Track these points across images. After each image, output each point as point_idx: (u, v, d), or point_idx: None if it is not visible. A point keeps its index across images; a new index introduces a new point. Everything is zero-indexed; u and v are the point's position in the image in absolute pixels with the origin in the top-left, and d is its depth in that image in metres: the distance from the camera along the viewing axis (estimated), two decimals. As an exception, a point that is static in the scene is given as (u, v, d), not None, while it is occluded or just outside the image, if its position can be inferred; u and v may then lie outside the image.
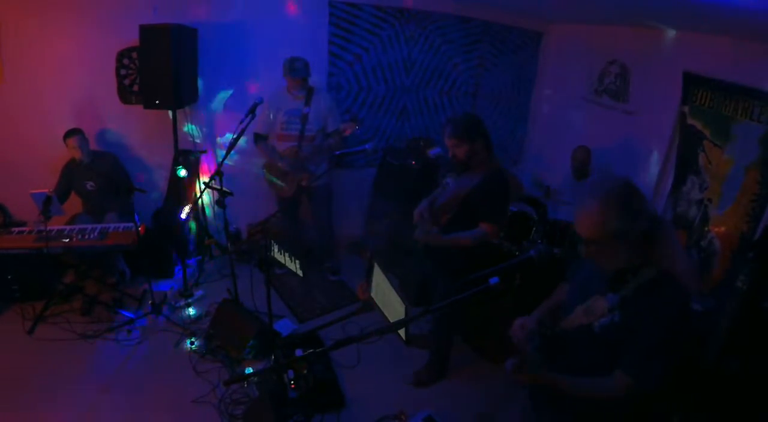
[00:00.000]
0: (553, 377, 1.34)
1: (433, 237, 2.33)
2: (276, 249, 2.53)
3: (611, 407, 1.36)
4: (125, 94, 3.50)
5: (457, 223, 2.34)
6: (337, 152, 3.24)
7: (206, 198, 3.87)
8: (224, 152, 2.88)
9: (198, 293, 3.44)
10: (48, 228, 2.80)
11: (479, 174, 2.30)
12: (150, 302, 3.10)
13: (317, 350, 1.45)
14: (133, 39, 3.17)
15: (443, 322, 2.70)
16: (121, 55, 3.40)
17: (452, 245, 2.33)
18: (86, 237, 2.92)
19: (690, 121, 3.27)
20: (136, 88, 3.47)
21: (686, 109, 3.29)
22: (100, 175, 3.28)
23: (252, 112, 2.84)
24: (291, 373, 2.56)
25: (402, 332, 1.74)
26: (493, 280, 1.26)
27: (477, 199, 2.28)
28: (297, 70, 3.17)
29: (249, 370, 2.63)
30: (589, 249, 1.29)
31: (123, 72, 3.44)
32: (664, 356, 1.24)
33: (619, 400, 1.30)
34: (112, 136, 3.60)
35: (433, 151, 4.02)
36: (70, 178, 3.29)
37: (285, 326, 3.16)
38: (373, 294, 2.00)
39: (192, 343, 2.89)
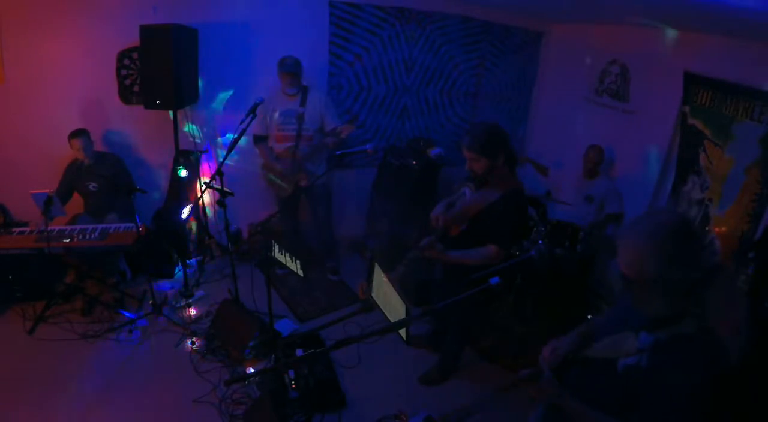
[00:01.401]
0: (572, 404, 1.27)
1: (437, 254, 2.24)
2: (277, 250, 2.53)
3: None
4: (126, 95, 3.51)
5: (466, 238, 2.27)
6: (338, 152, 3.25)
7: (207, 198, 3.88)
8: (225, 152, 2.89)
9: (199, 293, 3.44)
10: (49, 228, 2.81)
11: (497, 191, 2.19)
12: (151, 302, 3.10)
13: (318, 350, 1.46)
14: (133, 39, 3.18)
15: (463, 323, 2.68)
16: (122, 55, 3.40)
17: (456, 262, 2.26)
18: (87, 237, 2.92)
19: (690, 120, 3.27)
20: (136, 88, 3.48)
21: (687, 108, 3.29)
22: (103, 176, 3.28)
23: (252, 111, 2.84)
24: (292, 373, 2.56)
25: (402, 332, 1.74)
26: (494, 280, 1.26)
27: (490, 218, 2.19)
28: (287, 65, 3.18)
29: (250, 370, 2.64)
30: (628, 287, 1.19)
31: (124, 72, 3.45)
32: (684, 415, 1.12)
33: None
34: (113, 136, 3.60)
35: (433, 151, 4.03)
36: (72, 178, 3.29)
37: (285, 326, 3.16)
38: (373, 294, 2.00)
39: (193, 343, 2.89)
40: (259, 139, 3.43)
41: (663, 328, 1.16)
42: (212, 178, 2.85)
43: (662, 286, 1.10)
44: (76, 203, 3.40)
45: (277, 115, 3.32)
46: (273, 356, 2.68)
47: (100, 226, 3.05)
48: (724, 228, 2.99)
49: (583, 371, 1.35)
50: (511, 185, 2.22)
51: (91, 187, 3.30)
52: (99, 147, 3.45)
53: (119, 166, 3.39)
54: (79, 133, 3.15)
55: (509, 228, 2.22)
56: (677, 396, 1.11)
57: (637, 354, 1.19)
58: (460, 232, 2.32)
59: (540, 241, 3.35)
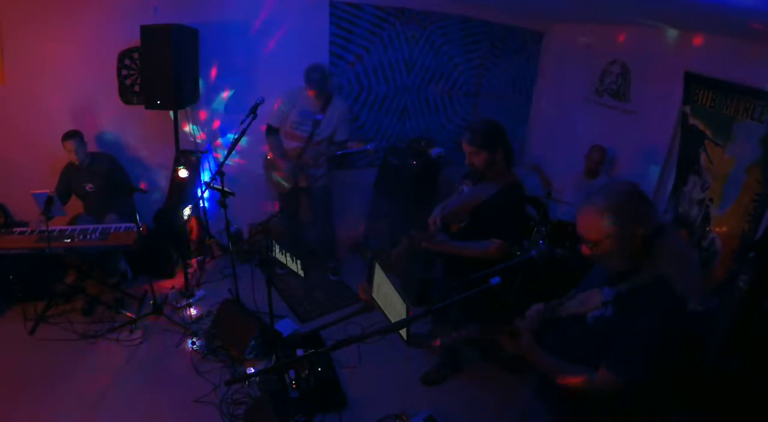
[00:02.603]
0: (539, 354, 1.39)
1: (439, 245, 2.24)
2: (277, 250, 2.53)
3: (610, 407, 1.37)
4: (127, 95, 3.51)
5: (466, 233, 2.27)
6: (338, 152, 3.24)
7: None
8: (225, 152, 2.89)
9: (199, 293, 3.44)
10: (50, 228, 2.81)
11: (495, 185, 2.20)
12: (151, 302, 3.10)
13: (318, 350, 1.46)
14: (134, 39, 3.18)
15: (464, 324, 2.67)
16: (123, 55, 3.40)
17: (458, 253, 2.26)
18: (88, 237, 2.92)
19: (691, 120, 3.27)
20: (137, 88, 3.48)
21: (687, 108, 3.29)
22: (98, 176, 3.27)
23: (253, 112, 2.83)
24: (292, 373, 2.57)
25: (403, 332, 1.74)
26: (495, 280, 1.26)
27: (490, 212, 2.19)
28: (312, 81, 3.16)
29: (251, 370, 2.64)
30: (587, 249, 1.32)
31: (124, 72, 3.45)
32: (648, 357, 1.25)
33: (615, 400, 1.32)
34: (114, 137, 3.60)
35: (434, 151, 4.03)
36: (68, 180, 3.29)
37: (286, 326, 3.16)
38: (374, 295, 2.00)
39: (193, 343, 2.89)
40: (271, 130, 3.41)
41: (623, 282, 1.30)
42: (213, 178, 2.86)
43: (621, 242, 1.25)
44: (77, 203, 3.40)
45: (294, 112, 3.31)
46: (273, 356, 2.68)
47: (101, 226, 3.05)
48: (724, 228, 2.99)
49: (557, 330, 1.47)
50: (509, 179, 2.24)
51: (87, 187, 3.30)
52: (100, 147, 3.45)
53: (113, 164, 3.37)
54: (71, 135, 3.12)
55: (510, 220, 2.22)
56: (641, 338, 1.24)
57: (602, 306, 1.33)
58: (460, 228, 2.32)
59: (541, 241, 3.35)
